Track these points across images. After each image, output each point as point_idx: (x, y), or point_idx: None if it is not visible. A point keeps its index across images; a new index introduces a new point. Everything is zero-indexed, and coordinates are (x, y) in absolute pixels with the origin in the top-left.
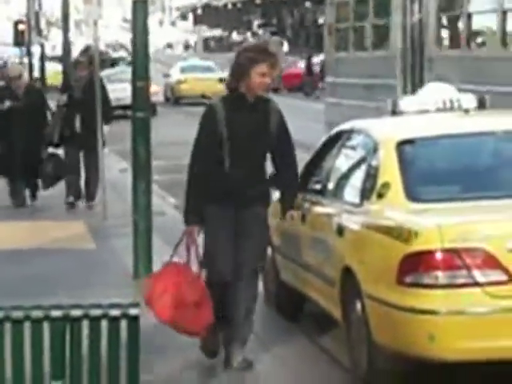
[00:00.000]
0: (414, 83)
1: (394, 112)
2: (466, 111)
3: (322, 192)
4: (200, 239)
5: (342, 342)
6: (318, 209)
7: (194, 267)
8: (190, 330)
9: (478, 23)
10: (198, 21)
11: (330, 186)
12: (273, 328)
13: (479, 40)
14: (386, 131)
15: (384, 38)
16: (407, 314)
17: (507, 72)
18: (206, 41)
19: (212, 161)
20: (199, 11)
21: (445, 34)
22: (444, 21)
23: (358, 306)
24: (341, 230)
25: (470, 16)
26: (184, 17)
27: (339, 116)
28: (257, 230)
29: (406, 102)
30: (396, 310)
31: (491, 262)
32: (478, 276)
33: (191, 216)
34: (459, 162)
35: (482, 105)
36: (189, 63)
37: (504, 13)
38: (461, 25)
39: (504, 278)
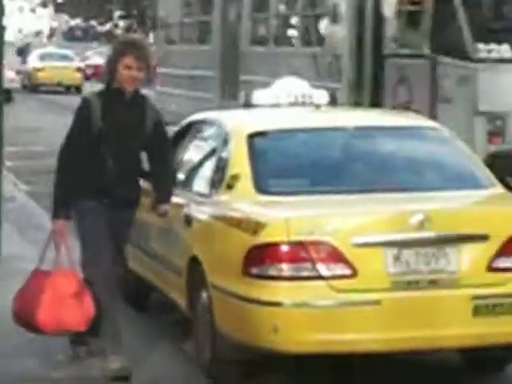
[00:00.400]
0: (231, 76)
1: (247, 104)
2: (318, 106)
3: None
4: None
5: (187, 331)
6: None
7: (65, 265)
8: (73, 324)
9: (284, 24)
10: (58, 9)
11: (181, 176)
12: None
13: (285, 38)
14: (238, 123)
15: (206, 33)
16: (252, 305)
17: (307, 67)
18: (70, 29)
19: (83, 155)
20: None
21: (257, 32)
22: (256, 20)
23: (204, 296)
24: (189, 220)
25: (278, 16)
26: (44, 4)
27: (168, 104)
28: (126, 236)
29: (259, 95)
30: (241, 301)
31: (336, 255)
32: (323, 269)
33: (60, 210)
34: (310, 155)
35: (333, 101)
36: (46, 51)
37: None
38: (270, 24)
39: (348, 272)
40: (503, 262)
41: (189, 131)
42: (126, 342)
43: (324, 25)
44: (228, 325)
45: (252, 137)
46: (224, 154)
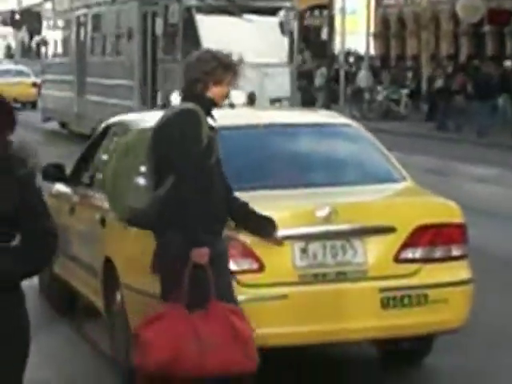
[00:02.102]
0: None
1: (165, 105)
2: (232, 106)
3: (90, 185)
4: None
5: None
6: (85, 201)
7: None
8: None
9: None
10: (17, 25)
11: (97, 178)
12: (42, 319)
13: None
14: (150, 125)
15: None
16: (162, 302)
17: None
18: (38, 45)
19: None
20: (17, 16)
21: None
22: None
23: (118, 296)
24: (103, 221)
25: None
26: (5, 22)
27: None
28: None
29: (176, 96)
30: (151, 299)
31: (243, 250)
32: (230, 264)
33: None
34: (222, 152)
35: (251, 101)
36: (1, 67)
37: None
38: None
39: (255, 266)
40: (409, 253)
41: (105, 134)
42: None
43: (123, 41)
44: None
45: None
46: None
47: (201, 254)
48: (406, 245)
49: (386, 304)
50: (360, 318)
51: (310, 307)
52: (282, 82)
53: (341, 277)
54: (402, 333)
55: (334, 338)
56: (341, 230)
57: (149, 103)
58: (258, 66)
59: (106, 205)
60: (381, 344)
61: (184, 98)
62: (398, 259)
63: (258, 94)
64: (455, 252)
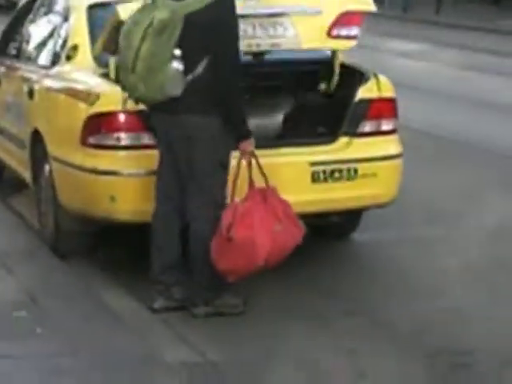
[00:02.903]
0: None
1: None
2: None
3: (18, 56)
4: None
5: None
6: (12, 73)
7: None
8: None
9: None
10: None
11: (26, 49)
12: None
13: None
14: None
15: None
16: (90, 175)
17: None
18: None
19: None
20: None
21: None
22: None
23: (46, 168)
24: (31, 93)
25: None
26: None
27: None
28: None
29: None
30: (80, 171)
31: None
32: None
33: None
34: None
35: None
36: None
37: None
38: None
39: None
40: (340, 31)
41: (33, 5)
42: None
43: None
44: (68, 196)
45: (92, 8)
46: (65, 26)
47: (249, 143)
48: (335, 24)
49: (316, 178)
50: (290, 192)
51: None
52: None
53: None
54: (332, 207)
55: None
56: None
57: None
58: None
59: (34, 76)
60: (311, 218)
61: None
62: (330, 34)
63: None
64: (385, 126)
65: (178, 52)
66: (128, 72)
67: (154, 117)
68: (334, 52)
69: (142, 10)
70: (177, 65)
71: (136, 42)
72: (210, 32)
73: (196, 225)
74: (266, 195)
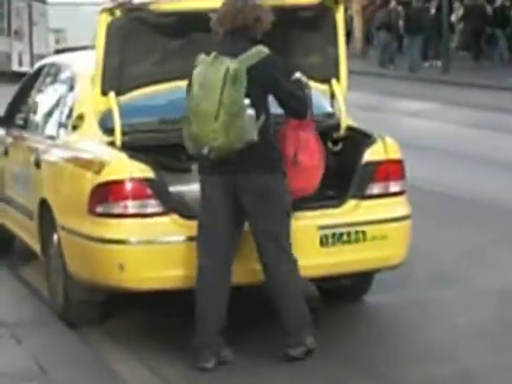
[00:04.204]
0: None
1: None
2: None
3: (25, 126)
4: None
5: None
6: (20, 142)
7: None
8: None
9: None
10: None
11: (32, 119)
12: None
13: None
14: (84, 65)
15: None
16: (98, 243)
17: None
18: None
19: None
20: None
21: None
22: None
23: (55, 238)
24: (38, 163)
25: None
26: None
27: None
28: None
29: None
30: (88, 241)
31: None
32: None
33: None
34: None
35: None
36: None
37: None
38: None
39: None
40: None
41: (39, 75)
42: None
43: None
44: (77, 266)
45: None
46: (71, 96)
47: None
48: None
49: (324, 242)
50: (299, 256)
51: (247, 247)
52: None
53: None
54: (342, 270)
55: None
56: None
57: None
58: None
59: (41, 146)
60: (321, 282)
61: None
62: None
63: None
64: (393, 188)
65: (247, 101)
66: (210, 121)
67: (214, 178)
68: (340, 116)
69: (210, 64)
70: (251, 111)
71: (216, 91)
72: (266, 86)
73: (283, 268)
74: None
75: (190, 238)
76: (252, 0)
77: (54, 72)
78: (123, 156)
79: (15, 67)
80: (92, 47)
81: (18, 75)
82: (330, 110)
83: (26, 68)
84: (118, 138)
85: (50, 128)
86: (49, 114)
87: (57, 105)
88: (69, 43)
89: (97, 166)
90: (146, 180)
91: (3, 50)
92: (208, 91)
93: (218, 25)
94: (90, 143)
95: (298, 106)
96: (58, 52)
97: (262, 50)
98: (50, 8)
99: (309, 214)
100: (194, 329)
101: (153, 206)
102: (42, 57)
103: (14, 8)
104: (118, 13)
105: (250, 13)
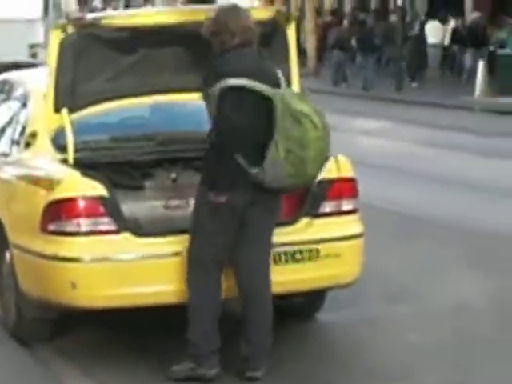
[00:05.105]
0: None
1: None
2: None
3: None
4: None
5: None
6: None
7: None
8: None
9: None
10: None
11: None
12: None
13: None
14: (37, 82)
15: None
16: (50, 261)
17: None
18: None
19: None
20: None
21: None
22: None
23: (7, 255)
24: None
25: None
26: None
27: None
28: None
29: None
30: (40, 258)
31: None
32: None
33: None
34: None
35: None
36: None
37: None
38: None
39: None
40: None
41: None
42: None
43: None
44: (30, 283)
45: None
46: (24, 113)
47: None
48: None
49: (277, 259)
50: None
51: None
52: None
53: None
54: (295, 288)
55: (226, 294)
56: None
57: None
58: None
59: None
60: (274, 300)
61: None
62: None
63: None
64: (346, 206)
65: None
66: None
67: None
68: None
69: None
70: None
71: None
72: None
73: (258, 284)
74: None
75: (142, 256)
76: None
77: (6, 89)
78: (76, 173)
79: None
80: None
81: None
82: None
83: None
84: (70, 155)
85: (3, 145)
86: (1, 131)
87: (9, 122)
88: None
89: (49, 184)
90: (99, 198)
91: None
92: (300, 129)
93: None
94: (43, 160)
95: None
96: None
97: None
98: None
99: None
100: (192, 341)
101: (105, 223)
102: None
103: None
104: (70, 29)
105: None
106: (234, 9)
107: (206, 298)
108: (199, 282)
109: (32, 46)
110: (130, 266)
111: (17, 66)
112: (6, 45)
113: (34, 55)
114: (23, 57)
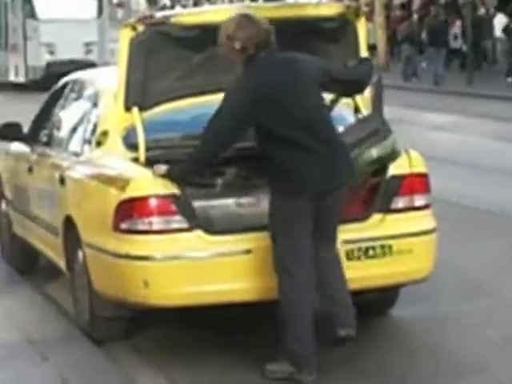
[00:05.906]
0: None
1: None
2: None
3: (49, 143)
4: None
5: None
6: (44, 160)
7: None
8: None
9: None
10: None
11: (56, 136)
12: (4, 281)
13: None
14: (108, 81)
15: None
16: (122, 260)
17: None
18: None
19: None
20: None
21: None
22: None
23: (80, 254)
24: (63, 180)
25: None
26: None
27: None
28: None
29: None
30: (113, 257)
31: None
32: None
33: None
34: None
35: None
36: None
37: None
38: None
39: None
40: None
41: (63, 91)
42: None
43: None
44: (102, 282)
45: None
46: (95, 112)
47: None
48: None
49: (350, 256)
50: None
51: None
52: None
53: None
54: (368, 284)
55: (263, 295)
56: None
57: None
58: None
59: (65, 163)
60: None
61: None
62: None
63: None
64: (418, 202)
65: None
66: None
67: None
68: None
69: None
70: None
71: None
72: None
73: (335, 265)
74: None
75: (214, 254)
76: None
77: (77, 88)
78: (147, 172)
79: (12, 78)
80: (79, 60)
81: (15, 85)
82: None
83: (21, 78)
84: (141, 153)
85: (74, 144)
86: (73, 131)
87: (81, 121)
88: (58, 56)
89: (121, 183)
90: (171, 196)
91: (1, 62)
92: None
93: None
94: (114, 159)
95: None
96: (48, 64)
97: None
98: (42, 25)
99: None
100: (290, 348)
101: (177, 222)
102: (34, 68)
103: (11, 25)
104: (140, 28)
105: None
106: (235, 19)
107: (300, 306)
108: (291, 289)
109: (87, 44)
110: (202, 264)
111: (73, 62)
112: (63, 43)
113: (88, 52)
114: (79, 54)
